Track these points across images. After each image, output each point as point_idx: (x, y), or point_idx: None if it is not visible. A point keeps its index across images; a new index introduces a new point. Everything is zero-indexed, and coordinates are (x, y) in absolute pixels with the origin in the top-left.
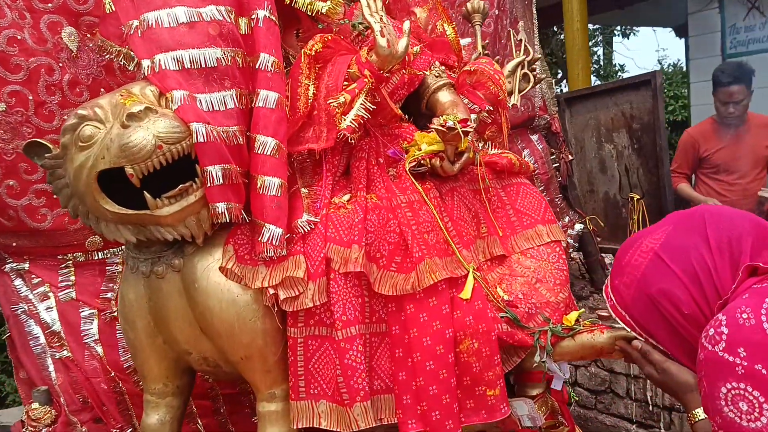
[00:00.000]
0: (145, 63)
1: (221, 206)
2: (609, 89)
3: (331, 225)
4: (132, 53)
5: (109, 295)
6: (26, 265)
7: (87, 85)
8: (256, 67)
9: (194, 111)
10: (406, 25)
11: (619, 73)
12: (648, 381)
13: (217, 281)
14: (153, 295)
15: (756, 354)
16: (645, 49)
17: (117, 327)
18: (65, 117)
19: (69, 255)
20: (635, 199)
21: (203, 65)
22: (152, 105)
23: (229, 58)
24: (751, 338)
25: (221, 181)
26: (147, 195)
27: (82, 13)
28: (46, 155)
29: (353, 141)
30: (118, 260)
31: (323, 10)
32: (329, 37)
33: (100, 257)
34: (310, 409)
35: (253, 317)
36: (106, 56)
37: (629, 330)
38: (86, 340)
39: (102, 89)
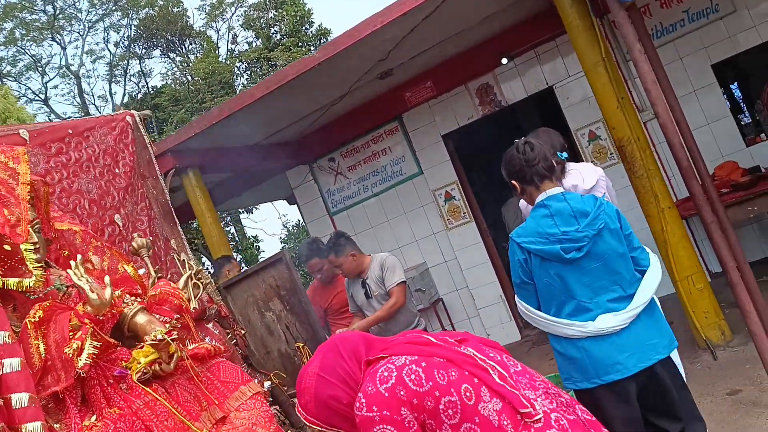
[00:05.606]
0: None
1: None
2: (255, 271)
3: None
4: None
5: None
6: None
7: None
8: None
9: None
10: (107, 279)
11: (255, 243)
12: None
13: None
14: None
15: (381, 407)
16: (270, 218)
17: None
18: None
19: None
20: (300, 346)
21: None
22: None
23: None
24: (376, 399)
25: None
26: None
27: None
28: None
29: (85, 374)
30: None
31: (30, 284)
32: (47, 305)
33: None
34: None
35: None
36: None
37: (321, 428)
38: None
39: None
